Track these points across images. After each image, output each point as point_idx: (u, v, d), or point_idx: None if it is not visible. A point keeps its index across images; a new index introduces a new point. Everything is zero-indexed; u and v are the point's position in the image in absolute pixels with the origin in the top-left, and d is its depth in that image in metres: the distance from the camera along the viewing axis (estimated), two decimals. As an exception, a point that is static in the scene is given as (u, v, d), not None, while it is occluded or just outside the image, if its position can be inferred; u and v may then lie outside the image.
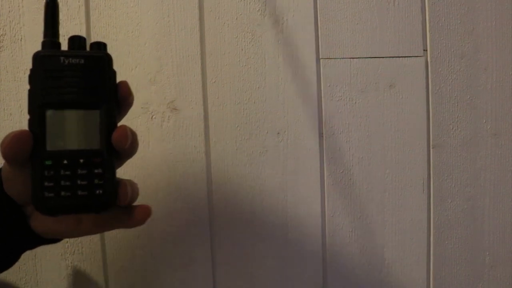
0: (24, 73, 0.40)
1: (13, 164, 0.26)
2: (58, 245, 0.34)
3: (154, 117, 0.41)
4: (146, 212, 0.28)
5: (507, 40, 0.43)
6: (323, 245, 0.42)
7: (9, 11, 0.40)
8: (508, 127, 0.44)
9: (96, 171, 0.26)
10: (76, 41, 0.28)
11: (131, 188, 0.28)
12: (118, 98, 0.28)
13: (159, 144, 0.41)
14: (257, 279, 0.42)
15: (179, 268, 0.41)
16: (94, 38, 0.40)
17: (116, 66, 0.28)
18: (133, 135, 0.28)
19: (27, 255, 0.37)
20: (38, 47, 0.27)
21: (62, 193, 0.25)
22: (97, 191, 0.26)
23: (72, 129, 0.26)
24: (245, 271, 0.42)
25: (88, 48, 0.28)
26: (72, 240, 0.40)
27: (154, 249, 0.41)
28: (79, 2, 0.40)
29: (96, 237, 0.40)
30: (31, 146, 0.25)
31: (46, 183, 0.25)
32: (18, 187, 0.27)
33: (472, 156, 0.43)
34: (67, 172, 0.25)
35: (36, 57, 0.26)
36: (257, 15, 0.41)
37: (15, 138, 0.24)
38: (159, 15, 0.41)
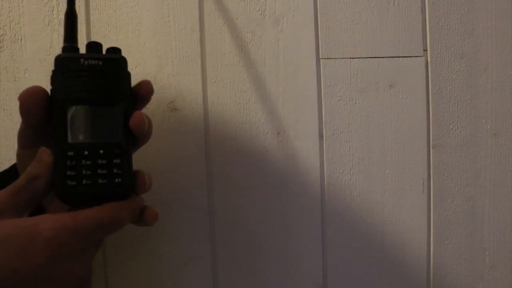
0: (24, 73, 0.40)
1: (29, 120, 0.28)
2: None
3: (154, 117, 0.41)
4: (154, 216, 0.31)
5: (507, 40, 0.43)
6: (323, 245, 0.42)
7: (9, 11, 0.39)
8: (508, 127, 0.44)
9: (115, 161, 0.28)
10: (93, 47, 0.30)
11: (148, 178, 0.30)
12: (133, 96, 0.31)
13: (159, 144, 0.41)
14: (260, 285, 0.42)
15: (179, 268, 0.41)
16: (94, 38, 0.40)
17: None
18: (148, 119, 0.30)
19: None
20: (38, 47, 0.27)
21: (84, 182, 0.27)
22: (116, 180, 0.28)
23: (91, 124, 0.28)
24: (247, 272, 0.42)
25: (104, 53, 0.30)
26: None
27: (154, 249, 0.41)
28: (79, 2, 0.40)
29: (96, 237, 0.40)
30: (45, 99, 0.28)
31: (68, 172, 0.27)
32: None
33: (472, 156, 0.43)
34: (88, 162, 0.27)
35: (58, 59, 0.28)
36: (257, 15, 0.41)
37: (31, 91, 0.28)
38: (159, 15, 0.41)
